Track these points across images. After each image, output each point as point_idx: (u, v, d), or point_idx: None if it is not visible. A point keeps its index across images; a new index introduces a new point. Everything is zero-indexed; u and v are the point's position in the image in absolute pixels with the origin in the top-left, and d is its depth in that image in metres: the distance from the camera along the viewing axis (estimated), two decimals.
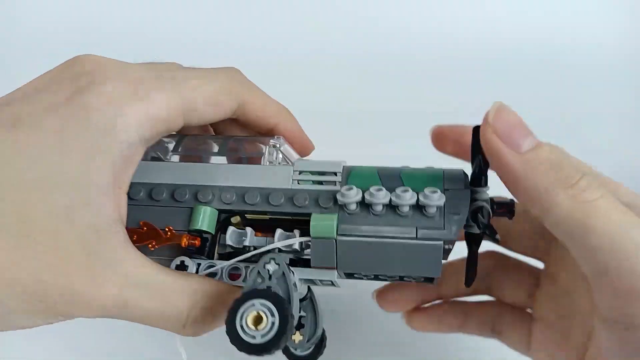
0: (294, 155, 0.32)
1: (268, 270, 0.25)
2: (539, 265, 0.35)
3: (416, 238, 0.26)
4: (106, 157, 0.24)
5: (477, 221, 0.27)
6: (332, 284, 0.29)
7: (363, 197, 0.27)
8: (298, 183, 0.28)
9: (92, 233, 0.23)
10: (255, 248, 0.28)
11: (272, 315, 0.23)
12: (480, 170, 0.27)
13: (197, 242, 0.28)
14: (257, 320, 0.23)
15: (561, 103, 0.63)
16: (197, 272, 0.28)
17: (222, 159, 0.31)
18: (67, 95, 0.24)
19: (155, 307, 0.24)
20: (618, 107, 0.65)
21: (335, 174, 0.28)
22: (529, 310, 0.35)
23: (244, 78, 0.30)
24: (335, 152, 0.31)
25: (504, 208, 0.28)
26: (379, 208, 0.27)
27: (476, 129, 0.27)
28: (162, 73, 0.27)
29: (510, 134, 0.24)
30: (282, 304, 0.23)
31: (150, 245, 0.27)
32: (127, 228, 0.27)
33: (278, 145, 0.30)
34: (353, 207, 0.27)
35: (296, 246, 0.28)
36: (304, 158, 0.32)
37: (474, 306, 0.37)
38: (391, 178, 0.28)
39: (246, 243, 0.28)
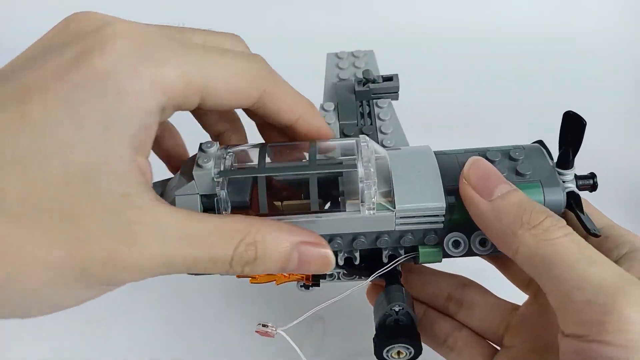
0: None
1: (394, 311, 0.31)
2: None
3: None
4: (124, 126, 0.22)
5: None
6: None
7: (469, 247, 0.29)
8: (401, 225, 0.29)
9: (122, 199, 0.22)
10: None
11: (409, 349, 0.31)
12: (567, 155, 0.29)
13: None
14: (399, 353, 0.31)
15: (561, 103, 0.66)
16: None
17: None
18: (73, 56, 0.22)
19: (201, 255, 0.24)
20: (618, 106, 0.68)
21: (437, 216, 0.29)
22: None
23: (269, 67, 0.28)
24: None
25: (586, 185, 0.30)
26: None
27: (566, 115, 0.29)
28: (178, 37, 0.25)
29: (482, 183, 0.27)
30: (417, 346, 0.30)
31: (276, 282, 0.32)
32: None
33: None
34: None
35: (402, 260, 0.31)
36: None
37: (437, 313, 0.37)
38: None
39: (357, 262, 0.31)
